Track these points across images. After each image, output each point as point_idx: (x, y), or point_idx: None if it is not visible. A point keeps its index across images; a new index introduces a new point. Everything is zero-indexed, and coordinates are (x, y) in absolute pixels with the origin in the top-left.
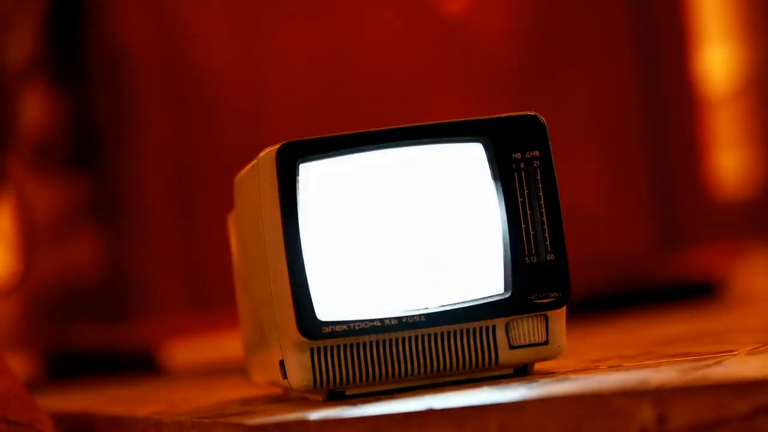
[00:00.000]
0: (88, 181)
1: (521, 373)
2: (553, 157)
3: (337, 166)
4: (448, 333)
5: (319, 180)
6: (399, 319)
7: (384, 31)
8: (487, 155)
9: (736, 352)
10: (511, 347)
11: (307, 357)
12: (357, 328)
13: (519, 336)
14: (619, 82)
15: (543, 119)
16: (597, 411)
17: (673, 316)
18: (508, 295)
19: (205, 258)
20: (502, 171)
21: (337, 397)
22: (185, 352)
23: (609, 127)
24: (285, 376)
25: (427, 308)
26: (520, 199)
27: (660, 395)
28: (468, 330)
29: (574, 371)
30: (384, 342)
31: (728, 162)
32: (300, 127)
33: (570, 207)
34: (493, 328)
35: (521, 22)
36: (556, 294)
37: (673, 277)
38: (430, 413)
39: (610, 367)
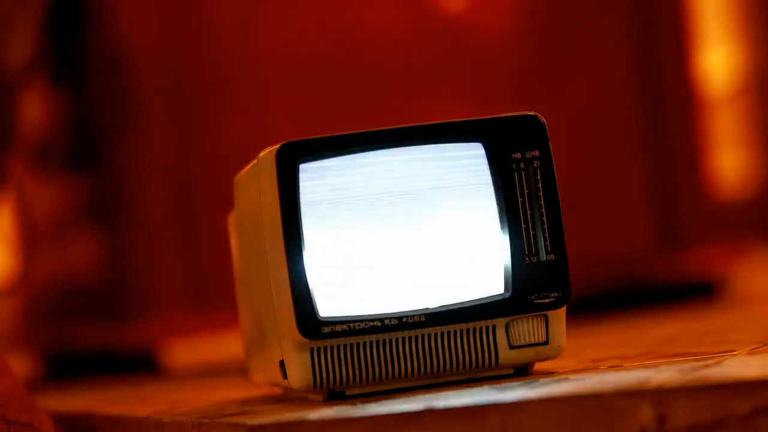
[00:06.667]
0: (88, 181)
1: (521, 373)
2: (553, 157)
3: (337, 166)
4: (448, 333)
5: (320, 180)
6: (399, 319)
7: (384, 31)
8: (487, 155)
9: (736, 352)
10: (511, 347)
11: (307, 357)
12: (357, 328)
13: (519, 336)
14: (619, 82)
15: (543, 119)
16: (597, 411)
17: (673, 316)
18: (508, 295)
19: (205, 258)
20: (502, 171)
21: (337, 397)
22: (185, 352)
23: (609, 127)
24: (285, 376)
25: (427, 308)
26: (520, 199)
27: (660, 395)
28: (468, 330)
29: (574, 371)
30: (384, 342)
31: (728, 162)
32: (300, 126)
33: (570, 206)
34: (493, 328)
35: (521, 22)
36: (556, 294)
37: (673, 277)
38: (430, 413)
39: (610, 367)
